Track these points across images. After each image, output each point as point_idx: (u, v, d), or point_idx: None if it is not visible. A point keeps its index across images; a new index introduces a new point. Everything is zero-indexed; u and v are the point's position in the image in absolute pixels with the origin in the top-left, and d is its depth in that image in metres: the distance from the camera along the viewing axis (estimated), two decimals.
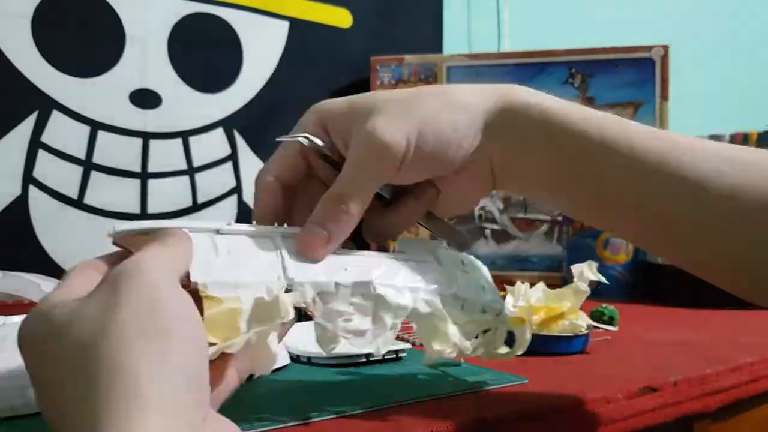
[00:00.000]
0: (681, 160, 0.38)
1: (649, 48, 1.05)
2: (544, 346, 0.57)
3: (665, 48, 1.05)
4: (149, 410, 0.25)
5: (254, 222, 0.40)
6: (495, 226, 1.10)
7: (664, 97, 1.05)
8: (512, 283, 0.60)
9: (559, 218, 1.06)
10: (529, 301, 0.60)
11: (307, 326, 0.40)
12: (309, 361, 0.52)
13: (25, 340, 0.30)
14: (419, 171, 0.40)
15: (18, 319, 0.49)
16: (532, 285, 0.61)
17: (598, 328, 0.60)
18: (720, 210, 0.37)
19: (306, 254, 0.37)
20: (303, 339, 0.51)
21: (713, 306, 0.83)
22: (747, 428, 0.59)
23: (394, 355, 0.53)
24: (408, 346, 0.54)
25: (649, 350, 0.61)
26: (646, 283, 0.92)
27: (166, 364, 0.26)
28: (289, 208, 0.42)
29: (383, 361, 0.52)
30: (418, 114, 0.38)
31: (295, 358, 0.53)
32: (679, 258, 0.41)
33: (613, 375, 0.51)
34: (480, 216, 1.11)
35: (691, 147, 0.38)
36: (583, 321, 0.59)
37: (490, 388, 0.46)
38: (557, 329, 0.58)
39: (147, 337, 0.26)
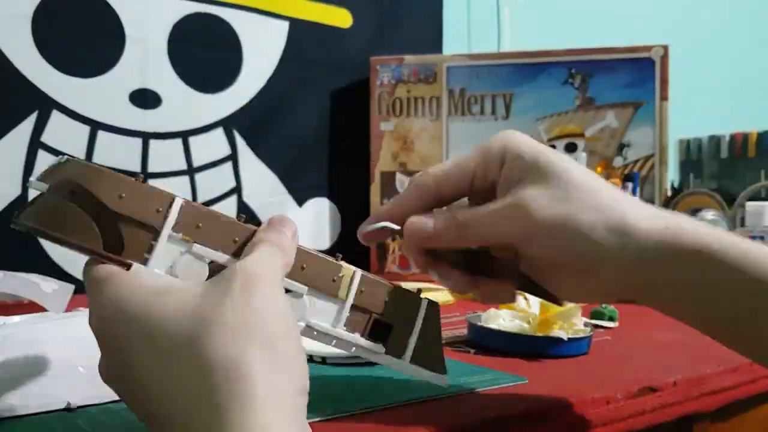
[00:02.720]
0: None
1: (648, 48, 1.05)
2: (548, 349, 0.56)
3: (665, 48, 1.05)
4: (267, 410, 0.27)
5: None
6: None
7: (664, 97, 1.05)
8: None
9: None
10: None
11: None
12: (323, 361, 0.52)
13: (116, 321, 0.31)
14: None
15: (18, 319, 0.49)
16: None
17: (598, 327, 0.60)
18: None
19: (408, 235, 0.40)
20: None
21: None
22: (746, 428, 0.59)
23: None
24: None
25: (649, 350, 0.61)
26: None
27: (275, 373, 0.29)
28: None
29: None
30: (575, 216, 0.38)
31: (308, 359, 0.53)
32: None
33: (613, 375, 0.51)
34: None
35: None
36: (580, 321, 0.59)
37: (490, 388, 0.46)
38: (556, 330, 0.57)
39: (260, 345, 0.29)
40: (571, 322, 0.58)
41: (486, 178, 0.41)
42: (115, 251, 0.34)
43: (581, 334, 0.57)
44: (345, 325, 0.40)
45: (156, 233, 0.35)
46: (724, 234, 0.38)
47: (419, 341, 0.41)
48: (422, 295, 0.42)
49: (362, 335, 0.40)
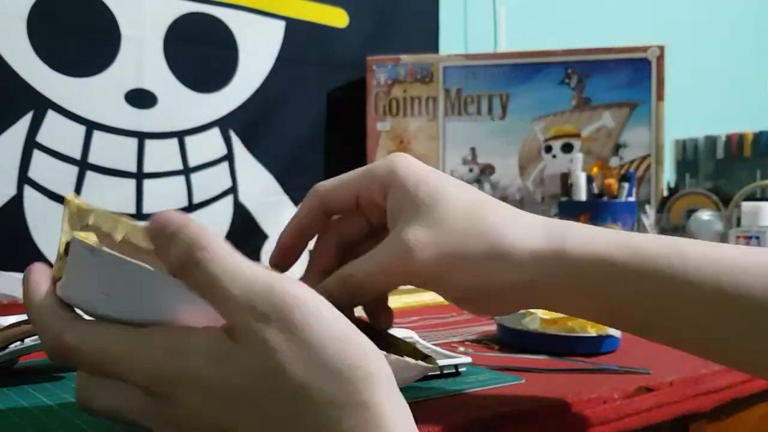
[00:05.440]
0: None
1: (645, 48, 1.05)
2: (602, 346, 0.56)
3: (661, 48, 1.05)
4: None
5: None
6: None
7: (660, 97, 1.05)
8: None
9: (556, 218, 1.06)
10: None
11: None
12: None
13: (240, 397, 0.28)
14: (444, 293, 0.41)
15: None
16: None
17: None
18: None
19: None
20: None
21: None
22: (742, 428, 0.59)
23: (454, 370, 0.49)
24: (468, 359, 0.49)
25: (645, 350, 0.61)
26: None
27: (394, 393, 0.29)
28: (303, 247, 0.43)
29: (442, 375, 0.48)
30: (459, 251, 0.38)
31: None
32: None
33: (610, 375, 0.51)
34: None
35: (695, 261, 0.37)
36: None
37: (488, 387, 0.46)
38: (566, 329, 0.57)
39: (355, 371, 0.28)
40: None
41: (372, 202, 0.40)
42: None
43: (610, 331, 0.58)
44: None
45: None
46: (617, 236, 0.39)
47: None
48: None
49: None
